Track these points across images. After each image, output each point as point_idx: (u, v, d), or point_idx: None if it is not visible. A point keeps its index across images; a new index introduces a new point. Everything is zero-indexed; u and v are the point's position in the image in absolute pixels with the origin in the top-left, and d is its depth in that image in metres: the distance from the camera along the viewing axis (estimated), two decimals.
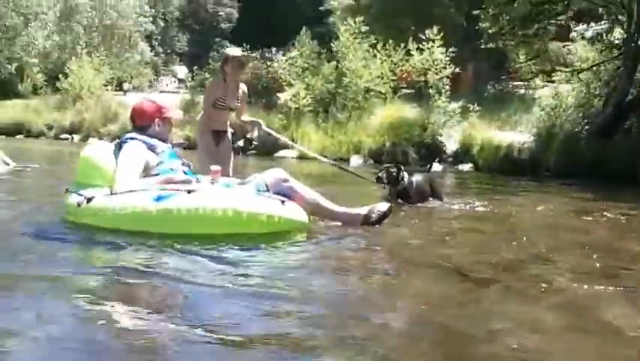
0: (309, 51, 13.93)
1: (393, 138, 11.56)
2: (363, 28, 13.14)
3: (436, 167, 10.72)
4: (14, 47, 24.01)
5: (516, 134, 10.91)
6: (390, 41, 13.19)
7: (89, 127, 17.11)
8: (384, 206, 3.71)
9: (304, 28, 15.08)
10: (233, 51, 5.16)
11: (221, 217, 3.12)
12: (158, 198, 3.15)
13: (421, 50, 12.03)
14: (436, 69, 11.75)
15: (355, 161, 11.57)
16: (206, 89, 5.49)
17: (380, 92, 13.01)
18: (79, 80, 19.06)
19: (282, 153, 12.45)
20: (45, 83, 21.97)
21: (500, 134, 11.02)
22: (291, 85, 13.53)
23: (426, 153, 11.29)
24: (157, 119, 3.65)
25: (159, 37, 41.69)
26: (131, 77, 27.66)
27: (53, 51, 25.55)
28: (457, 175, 10.15)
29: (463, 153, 11.14)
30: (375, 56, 13.11)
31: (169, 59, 43.26)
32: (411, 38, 12.21)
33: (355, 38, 13.27)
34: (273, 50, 20.52)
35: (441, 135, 11.43)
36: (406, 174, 4.94)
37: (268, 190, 3.51)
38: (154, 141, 3.54)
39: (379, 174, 5.02)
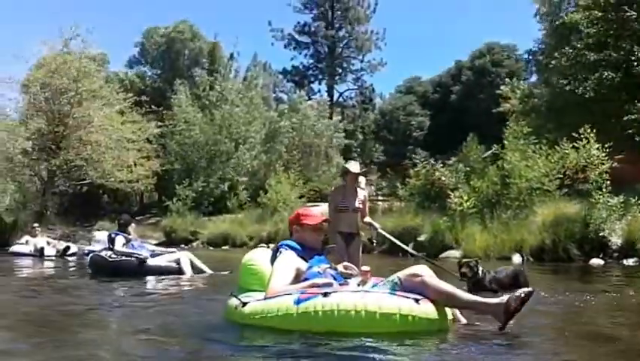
0: (475, 155, 15.30)
1: (554, 235, 12.22)
2: (526, 130, 14.22)
3: (597, 261, 11.27)
4: (227, 168, 28.42)
5: None
6: (565, 138, 14.07)
7: (283, 236, 19.91)
8: (523, 291, 3.75)
9: (470, 134, 16.58)
10: (352, 166, 6.80)
11: (354, 317, 3.51)
12: (299, 302, 3.65)
13: (576, 149, 12.77)
14: (593, 165, 12.36)
15: (516, 259, 12.36)
16: (330, 195, 6.81)
17: (547, 191, 13.76)
18: (276, 194, 22.19)
19: (446, 253, 13.71)
20: (249, 199, 25.72)
21: None
22: (456, 189, 14.81)
23: (589, 249, 11.79)
24: (295, 226, 4.29)
25: (358, 149, 45.22)
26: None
27: (260, 170, 29.56)
28: (619, 269, 10.54)
29: (628, 247, 11.45)
30: (540, 155, 14.06)
31: (368, 170, 46.36)
32: (565, 138, 13.03)
33: (519, 139, 14.41)
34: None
35: (603, 230, 11.81)
36: (481, 268, 6.15)
37: (401, 286, 3.79)
38: (304, 248, 4.15)
39: (462, 270, 6.23)
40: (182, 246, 20.66)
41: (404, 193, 17.37)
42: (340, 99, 47.04)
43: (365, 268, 4.11)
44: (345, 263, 4.38)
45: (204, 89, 30.69)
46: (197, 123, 29.10)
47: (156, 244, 19.86)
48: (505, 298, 3.69)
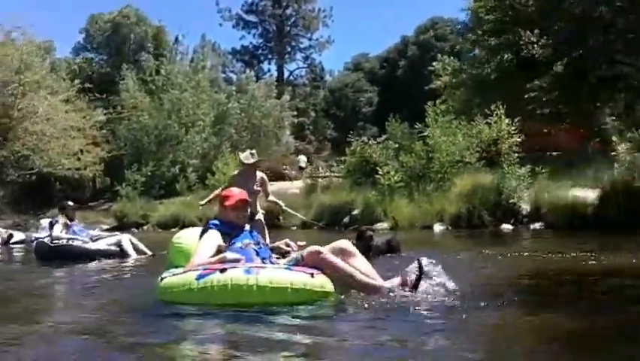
0: (401, 132, 16.35)
1: (469, 203, 13.34)
2: (442, 107, 15.34)
3: (507, 226, 12.46)
4: (178, 152, 28.95)
5: (588, 192, 12.25)
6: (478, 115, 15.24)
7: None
8: (415, 267, 4.14)
9: (391, 113, 17.65)
10: (244, 158, 7.59)
11: (246, 290, 3.79)
12: (199, 277, 3.91)
13: (488, 124, 13.91)
14: (503, 139, 13.52)
15: (437, 227, 13.48)
16: (231, 181, 7.44)
17: (469, 163, 14.89)
18: (223, 176, 22.87)
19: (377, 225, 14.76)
20: (197, 181, 26.36)
21: (573, 192, 12.40)
22: (386, 165, 15.83)
23: (501, 215, 12.96)
24: (219, 206, 4.67)
25: (310, 127, 45.86)
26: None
27: (210, 152, 30.12)
28: (526, 233, 11.73)
29: (535, 213, 12.65)
30: (460, 130, 15.19)
31: (322, 146, 47.17)
32: (478, 114, 14.18)
33: (439, 116, 15.53)
34: None
35: (513, 198, 12.97)
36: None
37: (302, 262, 4.12)
38: (228, 225, 4.46)
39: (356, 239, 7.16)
40: (133, 230, 21.30)
41: (340, 170, 18.37)
42: (290, 78, 47.77)
43: (301, 243, 4.55)
44: (286, 240, 4.70)
45: (151, 74, 31.00)
46: (145, 108, 29.51)
47: (108, 229, 20.52)
48: (395, 280, 4.17)
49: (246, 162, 7.42)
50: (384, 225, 14.47)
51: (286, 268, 4.01)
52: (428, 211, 14.09)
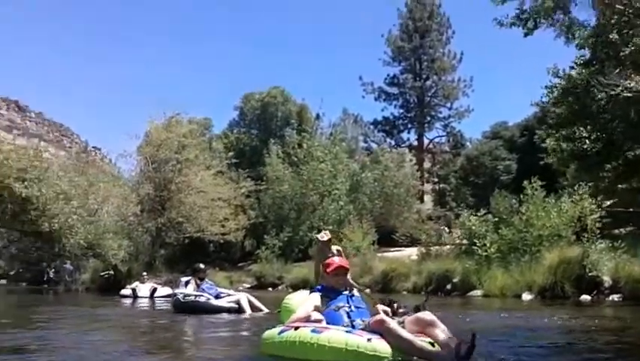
0: (502, 207, 17.67)
1: (554, 275, 14.33)
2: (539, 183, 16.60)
3: (586, 297, 13.36)
4: (314, 219, 31.72)
5: None
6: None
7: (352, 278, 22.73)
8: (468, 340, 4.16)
9: (496, 189, 18.92)
10: (321, 235, 9.68)
11: (309, 347, 4.37)
12: (280, 332, 4.68)
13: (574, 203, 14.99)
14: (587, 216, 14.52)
15: (525, 296, 14.56)
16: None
17: (564, 237, 15.87)
18: (349, 242, 25.06)
19: (471, 293, 16.16)
20: None
21: None
22: (484, 237, 17.16)
23: (584, 287, 13.84)
24: (323, 273, 5.30)
25: (452, 193, 46.83)
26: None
27: (345, 219, 32.51)
28: (603, 304, 12.64)
29: (614, 285, 13.42)
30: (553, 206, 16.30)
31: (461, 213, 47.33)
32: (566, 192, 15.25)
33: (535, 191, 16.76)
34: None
35: (594, 271, 13.79)
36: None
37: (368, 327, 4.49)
38: (329, 290, 5.09)
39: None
40: (269, 289, 24.06)
41: (449, 240, 19.92)
42: (430, 146, 49.58)
43: (402, 309, 5.31)
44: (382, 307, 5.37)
45: (293, 147, 34.45)
46: (286, 179, 32.95)
47: (249, 288, 23.44)
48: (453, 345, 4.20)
49: (319, 238, 9.53)
50: (478, 292, 15.85)
51: (347, 331, 4.44)
52: (519, 281, 15.18)
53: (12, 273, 40.67)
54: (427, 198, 47.95)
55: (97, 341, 6.85)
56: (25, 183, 22.44)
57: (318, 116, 40.33)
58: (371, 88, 48.13)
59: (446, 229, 33.41)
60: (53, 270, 30.04)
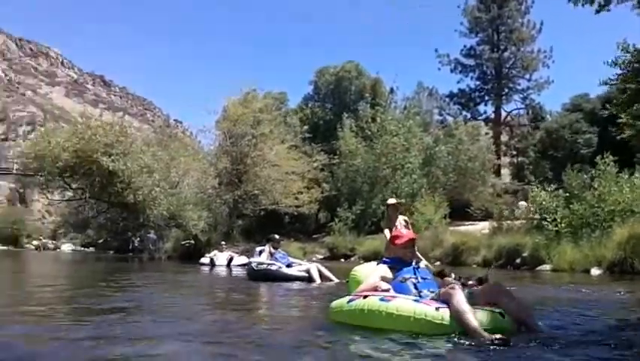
0: (575, 183, 17.59)
1: (626, 251, 14.30)
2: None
3: None
4: (387, 192, 32.11)
5: None
6: None
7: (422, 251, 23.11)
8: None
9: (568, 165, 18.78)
10: (389, 200, 10.36)
11: (377, 315, 4.46)
12: (349, 301, 4.79)
13: None
14: None
15: (594, 271, 14.61)
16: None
17: (634, 212, 15.74)
18: (421, 215, 25.36)
19: (539, 267, 16.31)
20: None
21: None
22: (555, 212, 17.17)
23: None
24: (392, 245, 5.44)
25: (530, 167, 45.98)
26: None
27: (418, 192, 32.77)
28: None
29: None
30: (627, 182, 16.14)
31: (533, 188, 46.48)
32: None
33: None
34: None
35: None
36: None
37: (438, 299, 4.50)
38: (396, 261, 5.17)
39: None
40: (342, 260, 24.80)
41: (521, 215, 19.97)
42: (508, 118, 48.69)
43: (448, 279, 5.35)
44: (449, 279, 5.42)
45: (367, 121, 34.84)
46: (359, 153, 33.45)
47: (321, 258, 24.23)
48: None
49: (388, 202, 10.18)
50: (547, 267, 15.98)
51: (415, 300, 4.49)
52: (588, 256, 15.19)
53: (100, 241, 43.52)
54: (505, 171, 47.31)
55: (182, 303, 7.66)
56: (112, 157, 24.09)
57: (392, 90, 40.52)
58: (447, 60, 47.59)
59: (523, 203, 33.29)
60: (138, 239, 32.01)
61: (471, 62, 47.72)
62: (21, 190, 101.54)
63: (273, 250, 12.84)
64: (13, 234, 63.98)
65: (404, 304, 4.40)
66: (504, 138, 48.53)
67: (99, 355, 3.81)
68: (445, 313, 4.24)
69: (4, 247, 57.45)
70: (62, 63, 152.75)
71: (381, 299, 4.55)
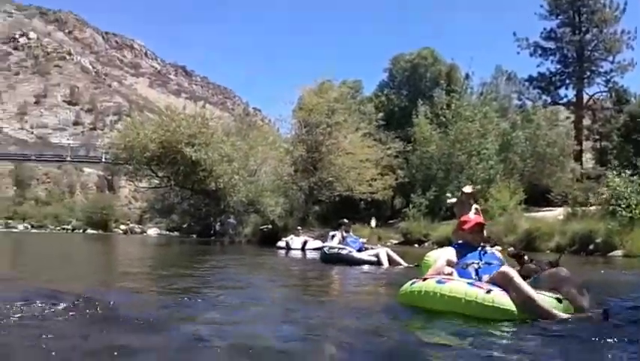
0: None
1: None
2: None
3: None
4: (462, 179, 32.15)
5: None
6: None
7: (494, 238, 23.25)
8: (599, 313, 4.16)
9: None
10: (465, 188, 10.84)
11: (432, 297, 4.60)
12: (412, 283, 4.95)
13: None
14: None
15: None
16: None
17: None
18: (495, 202, 25.42)
19: (612, 253, 16.33)
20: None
21: None
22: (630, 197, 17.08)
23: None
24: (460, 230, 5.56)
25: (614, 151, 44.65)
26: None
27: (495, 178, 32.64)
28: None
29: None
30: None
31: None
32: None
33: None
34: None
35: None
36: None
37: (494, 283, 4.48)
38: (463, 246, 5.29)
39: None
40: (415, 246, 25.25)
41: (595, 201, 19.88)
42: (590, 102, 47.31)
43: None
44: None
45: (442, 108, 34.93)
46: (433, 140, 33.67)
47: (395, 244, 24.77)
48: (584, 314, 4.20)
49: (464, 190, 10.67)
50: (619, 253, 16.02)
51: (469, 283, 4.55)
52: None
53: (184, 226, 45.63)
54: (587, 156, 46.14)
55: (262, 282, 8.41)
56: (195, 147, 25.62)
57: (467, 76, 40.23)
58: (526, 43, 46.51)
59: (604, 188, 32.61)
60: (219, 224, 33.44)
61: (551, 44, 46.50)
62: (109, 177, 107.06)
63: (345, 235, 13.31)
64: (102, 219, 68.38)
65: (457, 286, 4.51)
66: (586, 122, 47.19)
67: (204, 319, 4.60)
68: (497, 297, 4.27)
69: (95, 231, 61.24)
70: (146, 54, 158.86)
71: (438, 281, 4.68)
